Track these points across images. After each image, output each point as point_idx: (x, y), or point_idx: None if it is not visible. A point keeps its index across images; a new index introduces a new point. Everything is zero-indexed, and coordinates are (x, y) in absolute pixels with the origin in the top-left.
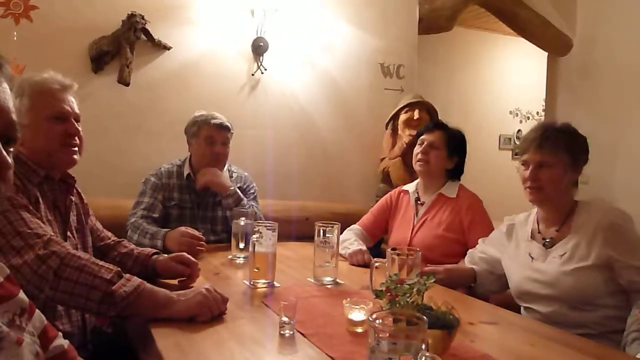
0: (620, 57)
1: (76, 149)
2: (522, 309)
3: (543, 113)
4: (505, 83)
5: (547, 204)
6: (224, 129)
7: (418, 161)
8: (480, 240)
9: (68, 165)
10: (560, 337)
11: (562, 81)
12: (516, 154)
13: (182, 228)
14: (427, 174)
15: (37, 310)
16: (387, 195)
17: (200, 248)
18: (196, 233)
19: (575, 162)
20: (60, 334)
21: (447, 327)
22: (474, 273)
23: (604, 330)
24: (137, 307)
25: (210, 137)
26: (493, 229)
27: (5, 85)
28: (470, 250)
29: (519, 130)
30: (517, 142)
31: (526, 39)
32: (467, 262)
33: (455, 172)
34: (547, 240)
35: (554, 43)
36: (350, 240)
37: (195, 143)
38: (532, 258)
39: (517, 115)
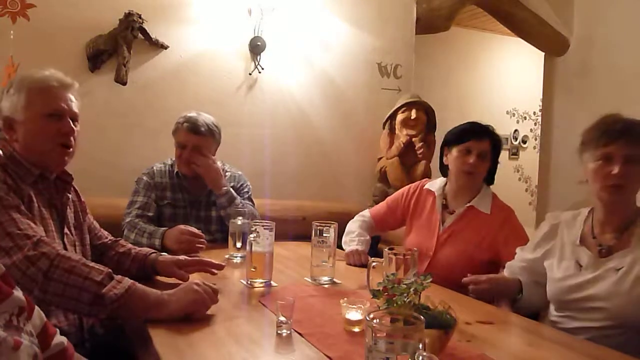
0: (617, 57)
1: (70, 149)
2: (551, 311)
3: (540, 113)
4: (502, 83)
5: (619, 207)
6: (193, 133)
7: (466, 172)
8: (518, 249)
9: (58, 167)
10: (557, 337)
11: (559, 81)
12: (513, 154)
13: (182, 226)
14: (468, 187)
15: (36, 307)
16: (405, 191)
17: (200, 246)
18: (195, 231)
19: None
20: (58, 330)
21: (444, 327)
22: (520, 284)
23: None
24: (129, 309)
25: (179, 143)
26: (528, 240)
27: None
28: (508, 263)
29: (515, 130)
30: (514, 142)
31: (523, 39)
32: (506, 275)
33: (489, 177)
34: (604, 247)
35: (551, 43)
36: (353, 235)
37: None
38: (581, 266)
39: (513, 115)
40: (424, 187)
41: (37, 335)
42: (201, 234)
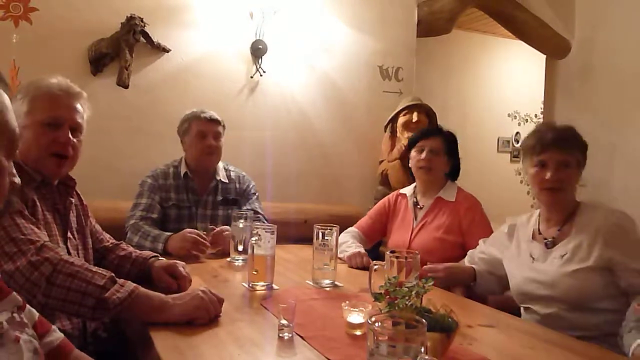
0: (618, 60)
1: (65, 160)
2: (521, 310)
3: (541, 116)
4: (504, 86)
5: (558, 206)
6: (214, 122)
7: (420, 168)
8: (480, 241)
9: (53, 177)
10: (559, 340)
11: (560, 84)
12: (515, 157)
13: (187, 230)
14: (429, 181)
15: (27, 306)
16: (385, 199)
17: (204, 248)
18: (201, 235)
19: (584, 162)
20: (55, 327)
21: (446, 330)
22: (474, 272)
23: (602, 333)
24: (132, 312)
25: (201, 132)
26: (492, 231)
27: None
28: (470, 250)
29: (517, 133)
30: (516, 145)
31: (524, 41)
32: (467, 263)
33: (451, 174)
34: (549, 240)
35: (552, 46)
36: (348, 242)
37: (188, 140)
38: (533, 258)
39: (515, 117)
40: (399, 193)
41: None
42: (205, 240)
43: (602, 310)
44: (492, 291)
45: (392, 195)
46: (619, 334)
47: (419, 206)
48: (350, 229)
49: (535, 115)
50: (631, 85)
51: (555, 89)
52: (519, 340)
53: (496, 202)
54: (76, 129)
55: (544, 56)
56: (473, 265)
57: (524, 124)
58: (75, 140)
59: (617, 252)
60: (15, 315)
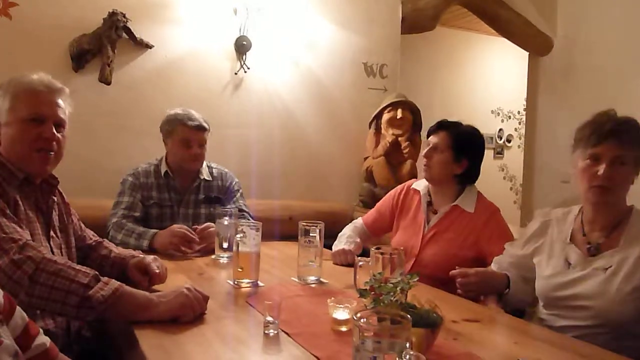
0: (599, 57)
1: (51, 155)
2: (540, 309)
3: (524, 112)
4: (487, 82)
5: (606, 206)
6: (200, 130)
7: (423, 166)
8: (506, 245)
9: (39, 173)
10: (544, 335)
11: (543, 81)
12: (498, 153)
13: (175, 226)
14: (431, 180)
15: (17, 308)
16: (393, 191)
17: (193, 245)
18: (190, 232)
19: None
20: (42, 331)
21: (431, 326)
22: (507, 279)
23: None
24: (117, 310)
25: (186, 140)
26: (513, 238)
27: None
28: (496, 257)
29: (500, 130)
30: (499, 141)
31: (507, 38)
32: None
33: (468, 176)
34: (593, 246)
35: (535, 43)
36: (345, 236)
37: (171, 143)
38: (569, 264)
39: (498, 114)
40: (411, 187)
41: (18, 335)
42: (194, 236)
43: (638, 336)
44: (527, 300)
45: (402, 188)
46: None
47: (432, 209)
48: (356, 220)
49: (519, 112)
50: (612, 82)
51: (537, 86)
52: (504, 334)
53: None
54: (60, 124)
55: (527, 53)
56: (506, 272)
57: (507, 120)
58: (59, 135)
59: None
60: None
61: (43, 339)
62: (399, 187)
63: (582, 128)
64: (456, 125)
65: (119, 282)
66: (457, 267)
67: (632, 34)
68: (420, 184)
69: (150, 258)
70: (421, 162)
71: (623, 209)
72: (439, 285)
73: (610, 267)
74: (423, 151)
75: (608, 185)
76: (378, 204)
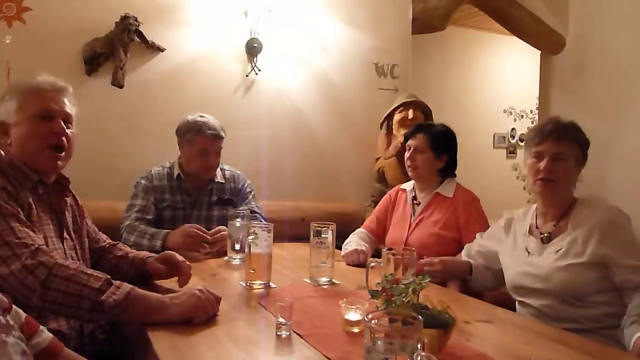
0: (612, 55)
1: (62, 153)
2: (516, 303)
3: (537, 111)
4: (499, 82)
5: (552, 199)
6: (217, 139)
7: (408, 167)
8: (477, 235)
9: (49, 171)
10: (556, 335)
11: (555, 80)
12: (510, 152)
13: (188, 225)
14: (418, 178)
15: (14, 307)
16: (387, 195)
17: (205, 244)
18: (203, 230)
19: (583, 159)
20: (43, 328)
21: (443, 326)
22: (470, 266)
23: (596, 327)
24: (129, 313)
25: (204, 149)
26: (488, 227)
27: None
28: (467, 244)
29: (512, 129)
30: (512, 141)
31: (519, 37)
32: (464, 256)
33: (449, 169)
34: (545, 235)
35: (547, 42)
36: (352, 242)
37: (188, 150)
38: (529, 253)
39: (511, 113)
40: (400, 188)
41: None
42: (207, 234)
43: (595, 304)
44: (488, 287)
45: (393, 191)
46: (620, 328)
47: (416, 202)
48: (357, 230)
49: (531, 111)
50: (625, 80)
51: (550, 84)
52: (516, 335)
53: (492, 197)
54: (67, 120)
55: (539, 52)
56: (469, 260)
57: (520, 119)
58: (68, 131)
59: (612, 249)
60: (1, 318)
61: (43, 337)
62: (392, 190)
63: (529, 131)
64: (430, 126)
65: (130, 286)
66: (424, 257)
67: None
68: (407, 185)
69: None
70: (406, 164)
71: (569, 201)
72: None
73: (561, 249)
74: (407, 153)
75: (549, 178)
76: (376, 210)
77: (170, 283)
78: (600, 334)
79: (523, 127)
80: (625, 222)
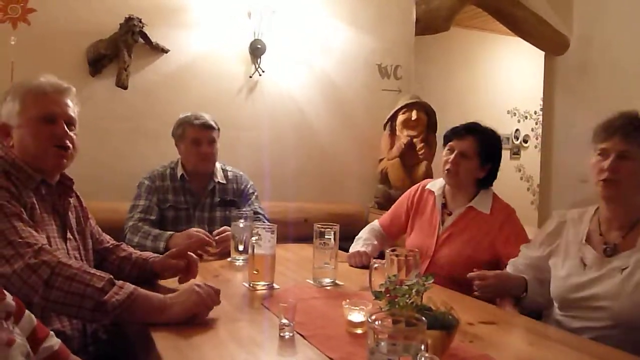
0: (616, 55)
1: (66, 152)
2: (555, 310)
3: (541, 112)
4: (503, 83)
5: (619, 203)
6: (208, 128)
7: (446, 171)
8: (522, 247)
9: (55, 170)
10: (559, 337)
11: (559, 80)
12: (514, 154)
13: (192, 230)
14: (455, 185)
15: (26, 311)
16: (407, 193)
17: (208, 248)
18: (206, 235)
19: None
20: (52, 333)
21: (446, 328)
22: (525, 282)
23: None
24: (132, 314)
25: (195, 139)
26: (529, 240)
27: None
28: (511, 260)
29: (516, 130)
30: (516, 142)
31: (523, 38)
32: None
33: (488, 180)
34: (609, 246)
35: (551, 42)
36: (362, 238)
37: (183, 145)
38: (585, 265)
39: (514, 114)
40: (425, 188)
41: (26, 338)
42: (211, 239)
43: None
44: (544, 305)
45: (416, 189)
46: None
47: (447, 211)
48: (373, 222)
49: (535, 112)
50: (629, 80)
51: (554, 85)
52: (520, 337)
53: None
54: (70, 122)
55: (543, 53)
56: (523, 275)
57: (524, 120)
58: (71, 133)
59: None
60: (2, 322)
61: (52, 342)
62: (414, 187)
63: (597, 126)
64: (483, 130)
65: (133, 286)
66: (474, 269)
67: None
68: (435, 185)
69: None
70: (442, 165)
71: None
72: (454, 286)
73: (627, 267)
74: (446, 155)
75: (613, 178)
76: (393, 206)
77: (173, 283)
78: None
79: (527, 128)
80: None
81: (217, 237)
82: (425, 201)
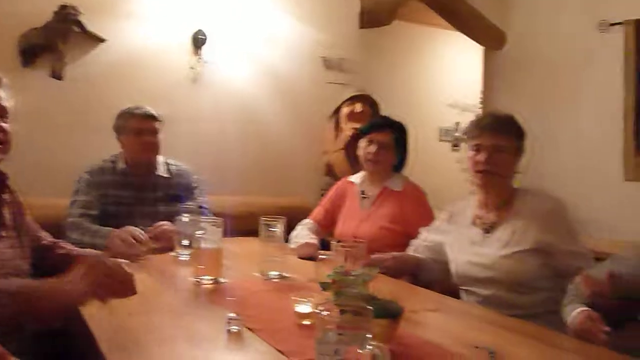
0: (552, 50)
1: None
2: (461, 292)
3: (481, 105)
4: (445, 76)
5: (492, 189)
6: (149, 118)
7: (368, 161)
8: (422, 230)
9: None
10: (501, 321)
11: (497, 74)
12: (455, 146)
13: (131, 228)
14: (377, 174)
15: None
16: (334, 187)
17: (142, 248)
18: (141, 237)
19: (521, 150)
20: None
21: (392, 316)
22: (420, 261)
23: (538, 312)
24: (27, 304)
25: (136, 129)
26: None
27: None
28: (413, 240)
29: (457, 123)
30: (456, 134)
31: (463, 33)
32: (411, 253)
33: (401, 165)
34: (488, 225)
35: (489, 37)
36: (300, 234)
37: (124, 137)
38: (473, 243)
39: (455, 107)
40: (348, 180)
41: None
42: (145, 239)
43: (537, 290)
44: (437, 279)
45: (341, 182)
46: (561, 307)
47: (364, 195)
48: (305, 220)
49: (475, 105)
50: (563, 74)
51: (493, 79)
52: (462, 322)
53: (438, 190)
54: (2, 115)
55: (482, 47)
56: (419, 255)
57: (464, 113)
58: (3, 125)
59: (553, 236)
60: None
61: None
62: (340, 182)
63: (469, 125)
64: (396, 123)
65: (21, 280)
66: (375, 252)
67: (581, 26)
68: (355, 177)
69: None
70: (364, 157)
71: (509, 191)
72: None
73: (504, 238)
74: (367, 146)
75: (488, 170)
76: (322, 201)
77: None
78: (541, 319)
79: (467, 120)
80: (564, 211)
81: (152, 234)
82: (348, 192)
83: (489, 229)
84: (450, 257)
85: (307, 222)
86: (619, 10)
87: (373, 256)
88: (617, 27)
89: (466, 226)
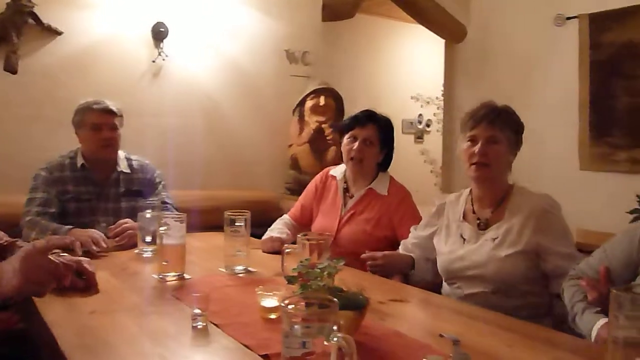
0: (512, 43)
1: None
2: (444, 286)
3: (442, 98)
4: (407, 69)
5: (488, 183)
6: (108, 113)
7: (351, 159)
8: (411, 229)
9: None
10: (469, 311)
11: (459, 67)
12: (418, 138)
13: (91, 232)
14: (360, 172)
15: None
16: (313, 181)
17: (103, 245)
18: (101, 241)
19: (517, 143)
20: None
21: (358, 307)
22: (412, 260)
23: (520, 316)
24: None
25: (95, 124)
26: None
27: None
28: (403, 240)
29: (420, 115)
30: (419, 126)
31: (424, 26)
32: (401, 252)
33: (386, 163)
34: (482, 221)
35: (450, 30)
36: (273, 230)
37: (82, 132)
38: (464, 239)
39: (417, 100)
40: (329, 174)
41: None
42: (106, 244)
43: (522, 294)
44: (429, 279)
45: (321, 175)
46: (569, 317)
47: (349, 194)
48: (283, 216)
49: (437, 98)
50: (522, 67)
51: (454, 72)
52: (431, 313)
53: (403, 181)
54: None
55: (444, 40)
56: (411, 254)
57: (426, 105)
58: None
59: (546, 237)
60: None
61: None
62: (318, 175)
63: (464, 116)
64: (381, 118)
65: None
66: (367, 250)
67: (539, 20)
68: (337, 170)
69: (85, 260)
70: (346, 154)
71: (505, 187)
72: (357, 262)
73: (497, 237)
74: (349, 143)
75: (484, 162)
76: (301, 197)
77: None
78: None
79: (429, 113)
80: (557, 211)
81: (113, 233)
82: (329, 186)
83: (483, 225)
84: (438, 251)
85: (285, 217)
86: (574, 4)
87: (364, 255)
88: (572, 20)
89: (456, 220)
